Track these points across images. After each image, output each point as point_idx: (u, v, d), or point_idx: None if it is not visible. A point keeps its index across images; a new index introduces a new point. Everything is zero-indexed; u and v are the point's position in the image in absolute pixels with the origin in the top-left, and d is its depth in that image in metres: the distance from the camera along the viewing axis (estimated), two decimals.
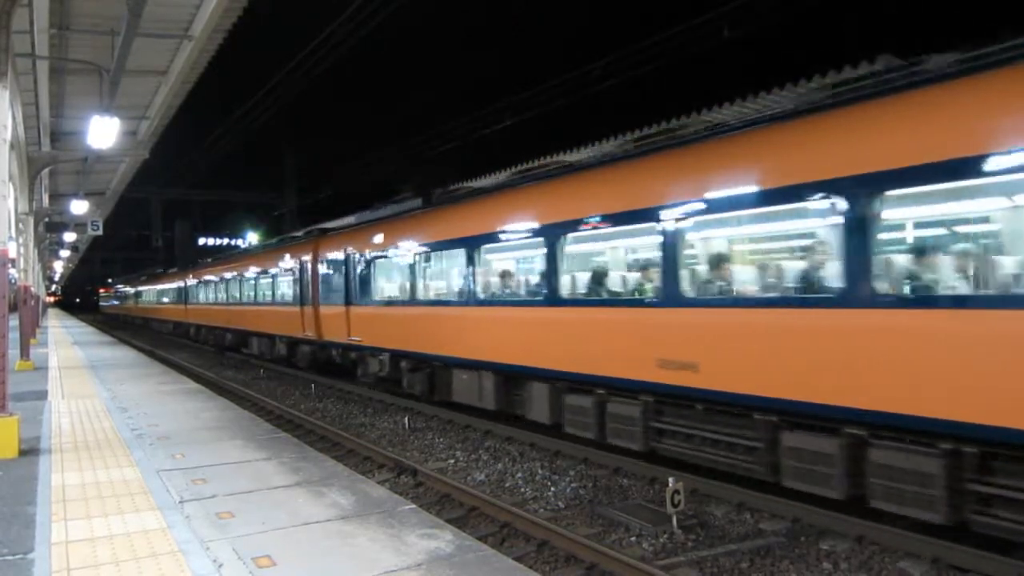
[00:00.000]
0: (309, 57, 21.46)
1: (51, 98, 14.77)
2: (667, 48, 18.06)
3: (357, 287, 15.16)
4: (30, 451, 7.77)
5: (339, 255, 16.10)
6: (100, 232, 26.76)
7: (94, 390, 13.07)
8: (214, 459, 7.57)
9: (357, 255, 15.24)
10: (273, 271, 21.39)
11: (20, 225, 18.05)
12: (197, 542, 4.97)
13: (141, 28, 10.66)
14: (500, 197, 11.41)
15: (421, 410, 13.49)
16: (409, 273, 13.20)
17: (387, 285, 14.54)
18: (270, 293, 21.91)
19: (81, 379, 14.88)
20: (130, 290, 59.62)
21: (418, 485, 8.87)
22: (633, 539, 6.78)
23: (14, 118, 11.98)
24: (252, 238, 55.29)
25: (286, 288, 20.33)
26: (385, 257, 14.35)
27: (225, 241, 59.27)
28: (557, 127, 30.16)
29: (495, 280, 11.19)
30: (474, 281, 11.12)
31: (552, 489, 8.45)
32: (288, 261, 19.86)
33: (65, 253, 42.40)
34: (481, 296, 11.05)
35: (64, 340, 28.72)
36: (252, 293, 23.72)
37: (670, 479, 7.01)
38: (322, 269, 17.12)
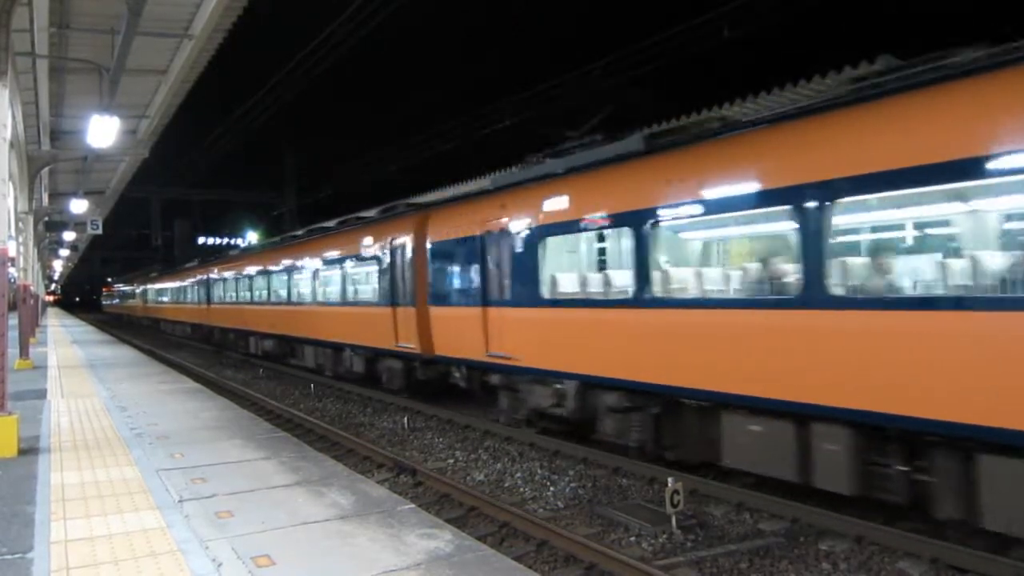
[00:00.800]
0: (309, 57, 21.51)
1: (51, 97, 14.78)
2: (667, 48, 18.10)
3: (505, 278, 10.64)
4: (29, 450, 7.77)
5: (467, 234, 11.55)
6: (100, 231, 26.69)
7: (93, 389, 13.06)
8: (213, 458, 7.57)
9: (506, 232, 10.58)
10: (342, 260, 16.57)
11: (20, 224, 18.05)
12: (196, 541, 4.97)
13: (141, 27, 10.68)
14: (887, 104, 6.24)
15: (420, 410, 13.48)
16: (637, 254, 8.39)
17: (573, 276, 9.75)
18: (338, 289, 16.83)
19: (80, 378, 14.87)
20: (139, 288, 52.27)
21: (417, 485, 8.87)
22: (632, 539, 6.79)
23: (14, 117, 11.99)
24: (252, 237, 55.26)
25: (366, 282, 15.70)
26: (577, 230, 9.40)
27: (225, 241, 59.30)
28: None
29: (874, 259, 6.66)
30: (819, 261, 6.41)
31: (551, 489, 8.45)
32: (370, 247, 15.03)
33: (64, 252, 42.43)
34: (836, 290, 6.34)
35: (63, 339, 28.71)
36: (308, 290, 18.70)
37: (669, 479, 7.01)
38: (434, 255, 12.63)
